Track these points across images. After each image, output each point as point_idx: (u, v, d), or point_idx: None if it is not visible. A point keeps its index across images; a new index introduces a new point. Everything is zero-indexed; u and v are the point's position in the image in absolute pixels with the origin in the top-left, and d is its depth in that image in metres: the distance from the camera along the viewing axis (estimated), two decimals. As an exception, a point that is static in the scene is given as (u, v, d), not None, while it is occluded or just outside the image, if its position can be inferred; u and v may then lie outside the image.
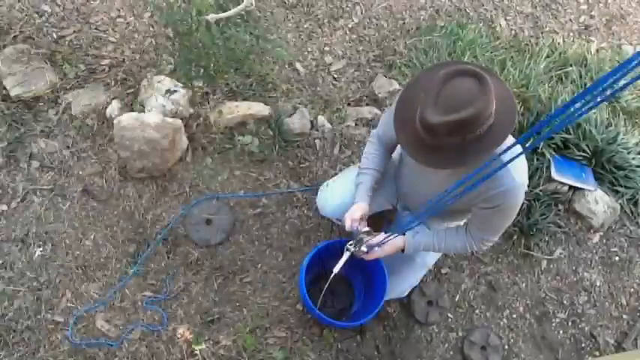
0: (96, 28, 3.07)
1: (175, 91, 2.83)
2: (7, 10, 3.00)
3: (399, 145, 2.09)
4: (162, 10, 2.39)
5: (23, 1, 3.05)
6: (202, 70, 2.55)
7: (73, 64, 2.91)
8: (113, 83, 2.91)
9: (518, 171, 1.77)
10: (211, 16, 2.29)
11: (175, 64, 2.78)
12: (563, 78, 3.42)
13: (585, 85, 3.39)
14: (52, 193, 2.69)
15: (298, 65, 3.21)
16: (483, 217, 1.95)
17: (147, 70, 2.96)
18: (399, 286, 2.45)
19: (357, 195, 2.15)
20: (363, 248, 2.07)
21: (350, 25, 3.42)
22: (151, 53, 3.05)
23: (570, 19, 3.83)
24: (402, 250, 2.13)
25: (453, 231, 2.10)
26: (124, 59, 2.99)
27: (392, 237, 2.02)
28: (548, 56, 3.46)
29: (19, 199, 2.66)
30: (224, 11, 2.32)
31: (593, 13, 3.89)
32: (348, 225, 2.06)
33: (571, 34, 3.77)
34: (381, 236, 2.05)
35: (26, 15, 3.01)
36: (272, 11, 3.32)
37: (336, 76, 3.24)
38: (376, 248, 2.06)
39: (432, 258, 2.47)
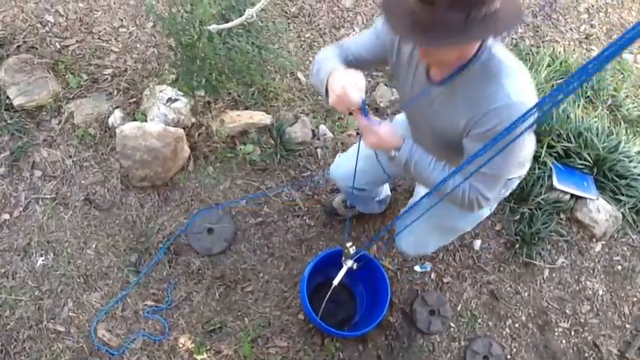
0: (99, 38, 3.09)
1: (177, 100, 2.84)
2: (11, 20, 3.02)
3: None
4: (165, 21, 2.40)
5: (27, 12, 3.07)
6: (204, 80, 2.56)
7: (76, 74, 2.93)
8: (115, 92, 2.93)
9: (517, 87, 1.54)
10: (213, 27, 2.30)
11: (177, 73, 2.79)
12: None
13: (586, 93, 3.40)
14: (55, 202, 2.69)
15: (300, 75, 3.22)
16: (475, 149, 1.56)
17: (149, 80, 2.98)
18: (426, 241, 2.34)
19: (331, 65, 1.74)
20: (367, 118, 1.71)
21: (351, 35, 3.43)
22: (153, 63, 3.07)
23: (571, 29, 3.84)
24: (393, 156, 1.77)
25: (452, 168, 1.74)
26: (126, 69, 3.01)
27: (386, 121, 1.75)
28: (549, 65, 3.46)
29: (21, 209, 2.66)
30: (226, 21, 2.33)
31: (593, 22, 3.91)
32: (356, 96, 1.62)
33: (572, 43, 3.79)
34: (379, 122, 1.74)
35: (29, 25, 3.04)
36: (274, 21, 3.33)
37: (337, 85, 3.24)
38: (375, 127, 1.70)
39: (464, 223, 2.26)
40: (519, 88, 1.54)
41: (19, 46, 2.96)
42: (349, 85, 1.59)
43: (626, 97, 3.51)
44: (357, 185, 2.28)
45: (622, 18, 3.97)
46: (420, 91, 1.73)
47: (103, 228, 2.68)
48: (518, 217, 2.97)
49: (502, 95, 1.51)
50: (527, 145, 1.79)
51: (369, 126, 1.69)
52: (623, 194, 3.09)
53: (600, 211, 3.01)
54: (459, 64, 1.57)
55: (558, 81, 3.42)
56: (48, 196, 2.70)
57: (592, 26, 3.89)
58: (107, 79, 2.97)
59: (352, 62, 1.86)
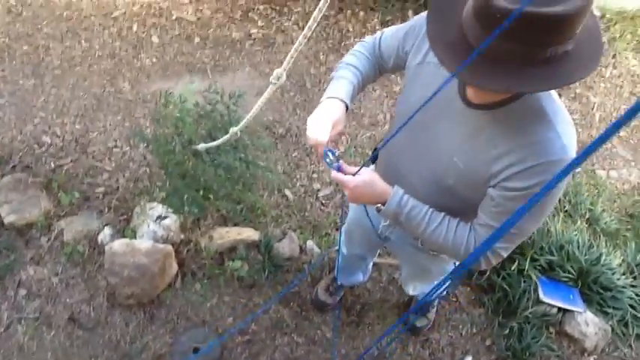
0: (92, 158, 3.19)
1: (166, 217, 2.89)
2: (9, 141, 3.13)
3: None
4: (154, 141, 2.51)
5: (25, 133, 3.19)
6: (193, 198, 2.64)
7: (68, 192, 2.99)
8: (106, 210, 2.98)
9: (571, 139, 1.27)
10: (201, 146, 2.41)
11: (167, 192, 2.87)
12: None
13: (564, 207, 3.52)
14: (37, 322, 2.64)
15: (287, 192, 3.32)
16: (503, 205, 1.34)
17: (140, 197, 3.04)
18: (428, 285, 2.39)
19: (331, 89, 1.57)
20: (335, 168, 1.49)
21: (336, 154, 3.57)
22: (145, 181, 3.16)
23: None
24: (379, 208, 1.52)
25: (455, 220, 1.49)
26: (118, 187, 3.09)
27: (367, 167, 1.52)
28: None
29: (2, 329, 2.60)
30: (213, 140, 2.44)
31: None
32: (315, 137, 1.47)
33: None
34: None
35: (27, 146, 3.14)
36: (261, 140, 3.47)
37: (324, 201, 3.33)
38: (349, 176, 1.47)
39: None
40: (572, 139, 1.28)
41: (14, 166, 3.05)
42: (314, 126, 1.47)
43: (603, 210, 3.63)
44: (353, 252, 2.38)
45: (592, 136, 4.20)
46: (444, 107, 1.40)
47: (85, 349, 2.61)
48: (507, 331, 2.95)
49: (559, 147, 1.24)
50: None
51: (337, 178, 1.48)
52: (609, 306, 3.10)
53: (589, 324, 3.00)
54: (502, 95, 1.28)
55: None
56: (31, 316, 2.65)
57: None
58: (99, 197, 3.04)
59: (379, 62, 1.70)
